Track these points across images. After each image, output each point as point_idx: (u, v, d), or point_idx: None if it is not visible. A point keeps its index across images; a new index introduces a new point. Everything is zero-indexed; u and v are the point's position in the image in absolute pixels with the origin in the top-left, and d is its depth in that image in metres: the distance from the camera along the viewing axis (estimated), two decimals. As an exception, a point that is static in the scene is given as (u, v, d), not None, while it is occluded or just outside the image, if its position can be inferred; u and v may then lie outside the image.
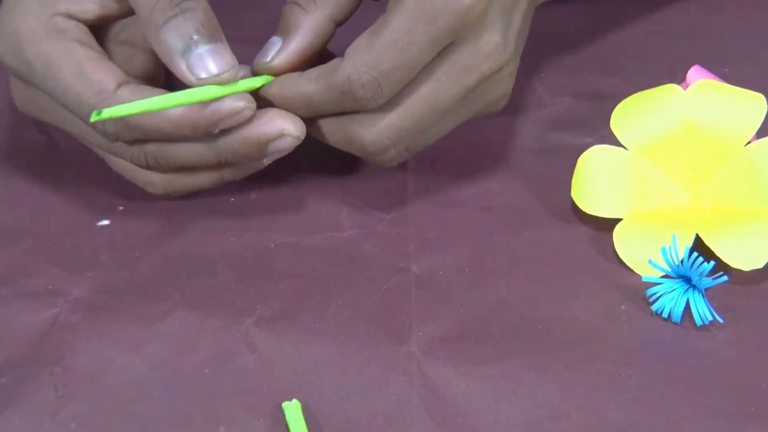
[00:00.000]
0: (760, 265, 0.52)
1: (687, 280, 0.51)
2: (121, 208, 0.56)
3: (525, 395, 0.48)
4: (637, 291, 0.52)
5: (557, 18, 0.68)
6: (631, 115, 0.56)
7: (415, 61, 0.49)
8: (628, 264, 0.53)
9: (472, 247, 0.54)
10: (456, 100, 0.51)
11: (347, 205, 0.56)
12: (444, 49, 0.50)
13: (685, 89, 0.56)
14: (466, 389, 0.48)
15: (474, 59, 0.50)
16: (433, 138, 0.53)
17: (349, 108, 0.51)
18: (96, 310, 0.51)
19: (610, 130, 0.56)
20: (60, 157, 0.59)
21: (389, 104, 0.51)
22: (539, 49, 0.65)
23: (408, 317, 0.51)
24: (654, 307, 0.51)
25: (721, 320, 0.50)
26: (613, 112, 0.56)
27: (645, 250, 0.53)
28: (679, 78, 0.59)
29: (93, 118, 0.47)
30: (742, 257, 0.52)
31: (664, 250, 0.51)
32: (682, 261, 0.50)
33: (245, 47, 0.65)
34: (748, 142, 0.55)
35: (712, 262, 0.50)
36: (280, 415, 0.47)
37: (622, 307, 0.52)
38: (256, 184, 0.57)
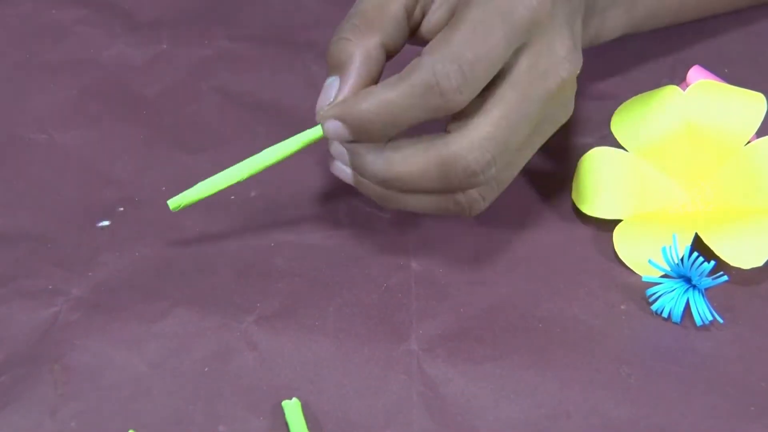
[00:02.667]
0: (760, 263, 0.52)
1: (687, 279, 0.51)
2: (121, 208, 0.56)
3: (525, 394, 0.48)
4: (637, 291, 0.52)
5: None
6: (631, 116, 0.56)
7: (494, 51, 0.48)
8: (628, 264, 0.53)
9: (471, 246, 0.54)
10: (540, 107, 0.50)
11: (347, 204, 0.56)
12: (521, 52, 0.49)
13: (684, 89, 0.56)
14: (465, 388, 0.48)
15: (552, 63, 0.49)
16: (523, 159, 0.52)
17: (434, 108, 0.48)
18: (96, 309, 0.51)
19: (611, 130, 0.56)
20: (60, 157, 0.59)
21: (480, 113, 0.49)
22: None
23: (408, 315, 0.51)
24: (654, 307, 0.51)
25: (721, 320, 0.50)
26: (614, 115, 0.56)
27: (645, 250, 0.53)
28: (679, 78, 0.59)
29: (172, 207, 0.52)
30: (741, 256, 0.52)
31: (664, 249, 0.51)
32: (682, 261, 0.50)
33: (245, 47, 0.65)
34: (748, 142, 0.55)
35: (712, 262, 0.50)
36: (280, 413, 0.47)
37: (622, 306, 0.52)
38: (256, 183, 0.57)
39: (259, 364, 0.49)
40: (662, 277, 0.51)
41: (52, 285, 0.52)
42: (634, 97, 0.57)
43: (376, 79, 0.51)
